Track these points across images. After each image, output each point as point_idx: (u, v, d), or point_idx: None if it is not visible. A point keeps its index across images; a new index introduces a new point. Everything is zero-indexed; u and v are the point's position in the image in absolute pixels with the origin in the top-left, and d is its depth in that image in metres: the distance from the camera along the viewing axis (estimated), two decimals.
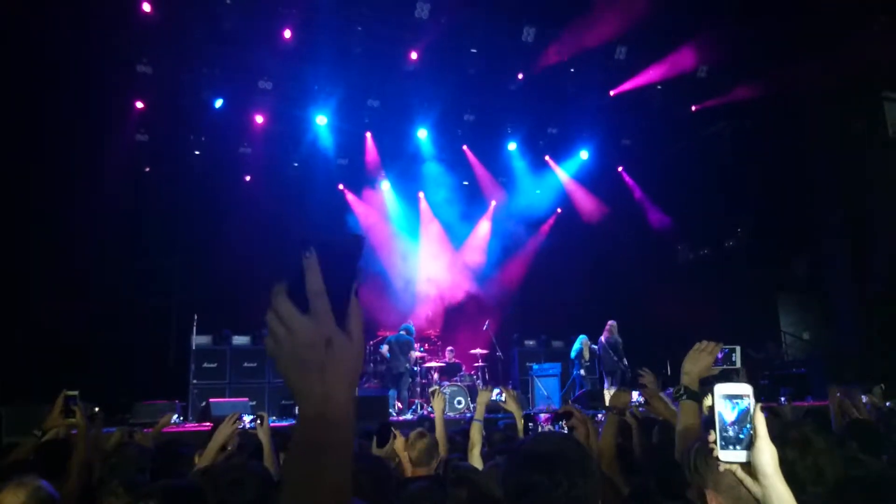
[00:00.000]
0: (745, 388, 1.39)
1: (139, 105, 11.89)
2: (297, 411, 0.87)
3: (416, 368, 12.16)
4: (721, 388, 1.40)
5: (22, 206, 10.94)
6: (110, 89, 11.20)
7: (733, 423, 1.38)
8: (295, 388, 0.85)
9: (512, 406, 3.85)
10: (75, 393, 3.19)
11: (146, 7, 9.92)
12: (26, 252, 11.01)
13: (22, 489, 2.15)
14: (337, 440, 0.84)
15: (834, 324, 12.95)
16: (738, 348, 2.82)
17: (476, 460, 3.37)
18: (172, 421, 6.63)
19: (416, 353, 12.19)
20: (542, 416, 3.49)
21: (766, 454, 1.35)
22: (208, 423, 8.91)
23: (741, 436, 1.37)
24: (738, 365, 2.79)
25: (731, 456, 1.37)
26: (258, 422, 3.56)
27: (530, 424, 3.49)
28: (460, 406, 11.33)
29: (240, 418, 3.40)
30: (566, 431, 2.99)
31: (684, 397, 2.62)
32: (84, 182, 11.37)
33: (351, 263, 0.88)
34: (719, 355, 2.76)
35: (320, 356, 0.84)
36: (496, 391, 4.11)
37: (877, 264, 12.05)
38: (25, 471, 2.39)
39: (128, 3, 9.81)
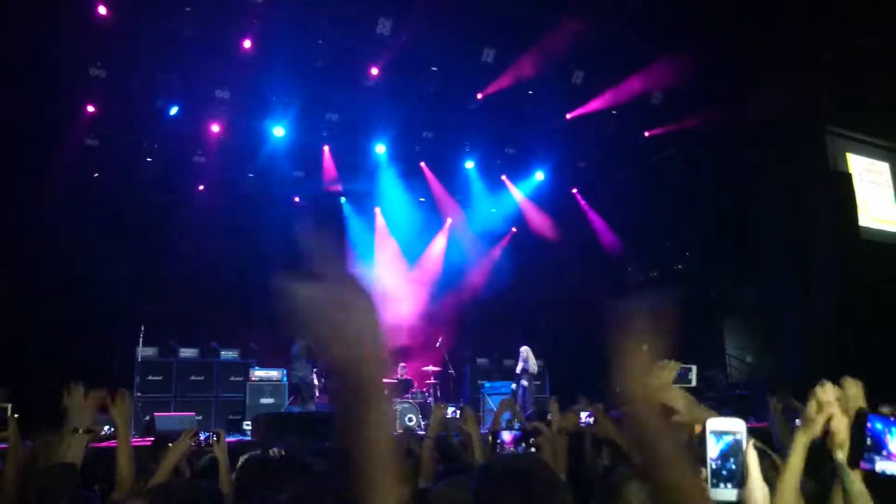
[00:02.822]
0: (738, 425, 1.36)
1: (90, 109, 11.59)
2: (332, 375, 0.87)
3: None
4: (711, 424, 1.38)
5: None
6: (61, 91, 10.90)
7: (717, 459, 1.35)
8: (324, 358, 0.85)
9: (472, 427, 3.77)
10: (7, 405, 3.08)
11: (102, 10, 9.71)
12: None
13: None
14: (375, 396, 0.84)
15: (777, 347, 13.33)
16: (694, 367, 2.86)
17: (428, 480, 3.33)
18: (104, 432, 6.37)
19: None
20: (506, 437, 3.44)
21: (759, 493, 1.33)
22: (151, 438, 8.66)
23: (724, 472, 1.34)
24: (694, 383, 2.83)
25: (721, 494, 1.34)
26: (214, 438, 3.47)
27: (496, 446, 3.43)
28: (411, 423, 11.27)
29: (196, 434, 3.32)
30: (532, 451, 2.99)
31: None
32: (28, 185, 11.03)
33: (339, 224, 0.90)
34: (678, 373, 2.79)
35: (337, 320, 0.84)
36: (451, 409, 4.06)
37: (819, 291, 12.46)
38: None
39: (83, 5, 9.59)
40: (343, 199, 14.67)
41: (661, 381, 2.68)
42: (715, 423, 1.38)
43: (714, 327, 14.59)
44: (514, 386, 12.74)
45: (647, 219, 14.93)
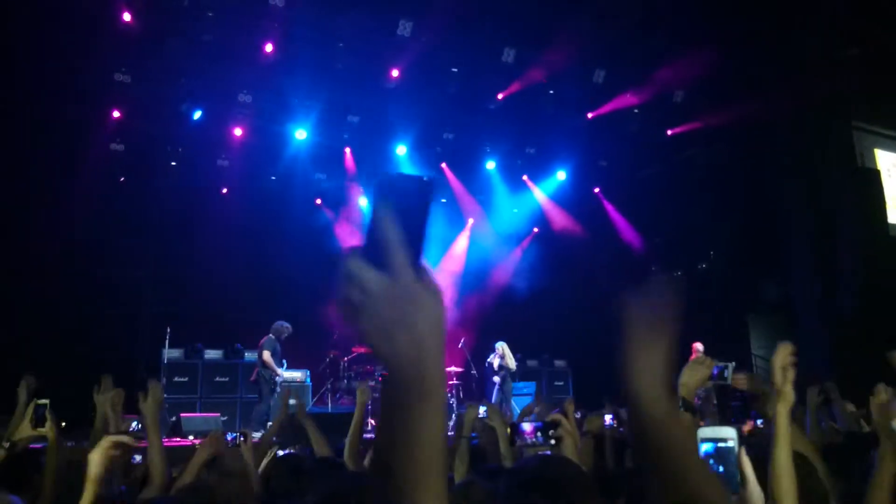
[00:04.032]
0: (729, 432, 1.38)
1: (116, 114, 11.75)
2: (384, 376, 0.83)
3: None
4: (702, 432, 1.40)
5: None
6: (87, 97, 11.07)
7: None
8: (383, 352, 0.80)
9: (497, 422, 3.74)
10: (46, 402, 3.12)
11: (127, 17, 9.85)
12: None
13: None
14: (436, 395, 0.80)
15: (802, 346, 13.14)
16: (730, 365, 2.85)
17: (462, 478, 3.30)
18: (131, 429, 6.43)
19: None
20: (527, 428, 3.38)
21: (756, 497, 1.35)
22: (178, 439, 8.78)
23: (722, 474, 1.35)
24: (730, 381, 2.81)
25: None
26: (241, 439, 3.49)
27: (515, 438, 3.39)
28: None
29: (223, 435, 3.34)
30: (553, 443, 2.96)
31: (682, 409, 2.62)
32: (56, 190, 11.22)
33: (422, 210, 0.82)
34: (714, 370, 2.78)
35: (405, 313, 0.80)
36: (482, 409, 4.03)
37: (846, 288, 12.29)
38: None
39: (108, 12, 9.73)
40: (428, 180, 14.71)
41: (697, 377, 2.66)
42: (706, 432, 1.40)
43: (739, 326, 14.44)
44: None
45: (670, 218, 14.81)
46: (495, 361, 12.24)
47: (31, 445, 3.14)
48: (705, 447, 1.38)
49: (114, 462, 1.88)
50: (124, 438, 1.94)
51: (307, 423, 3.84)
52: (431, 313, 0.81)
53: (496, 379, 12.19)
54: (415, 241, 0.80)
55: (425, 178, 0.83)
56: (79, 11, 9.59)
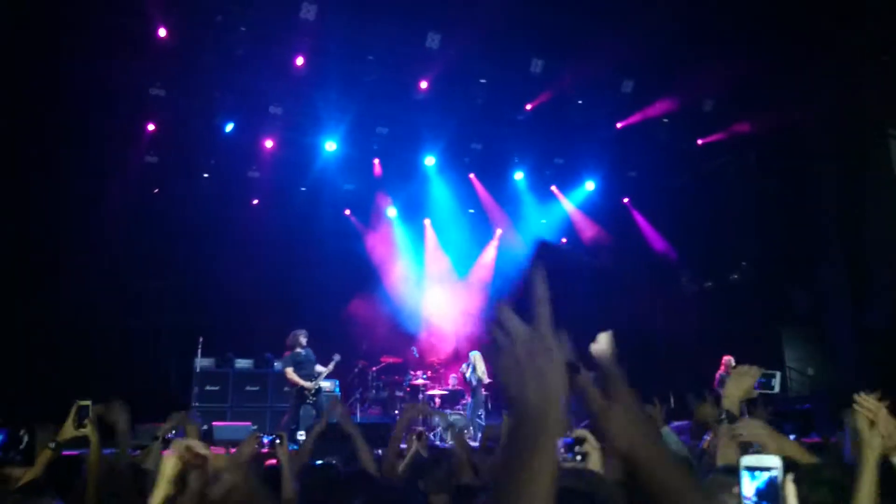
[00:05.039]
0: (773, 461, 1.31)
1: (150, 127, 12.00)
2: (510, 416, 0.93)
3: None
4: (745, 460, 1.33)
5: (28, 223, 10.99)
6: (123, 110, 11.33)
7: (754, 498, 1.29)
8: (513, 393, 0.91)
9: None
10: (88, 402, 3.19)
11: (162, 32, 10.07)
12: (30, 269, 11.03)
13: None
14: (551, 443, 0.91)
15: (834, 358, 12.90)
16: (777, 374, 2.80)
17: None
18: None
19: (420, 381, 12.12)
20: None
21: None
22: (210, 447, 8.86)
23: None
24: (777, 390, 2.76)
25: None
26: (277, 441, 3.53)
27: None
28: (467, 434, 11.23)
29: (259, 438, 3.39)
30: (579, 459, 2.95)
31: (726, 422, 2.59)
32: (92, 201, 11.47)
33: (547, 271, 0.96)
34: (760, 380, 2.74)
35: (539, 363, 0.92)
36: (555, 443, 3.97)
37: (877, 301, 12.04)
38: (41, 490, 2.39)
39: (145, 28, 9.96)
40: (391, 209, 14.87)
41: (742, 388, 2.62)
42: (749, 460, 1.34)
43: (772, 338, 14.20)
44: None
45: (700, 228, 14.64)
46: (467, 372, 12.01)
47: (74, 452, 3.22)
48: (757, 482, 1.31)
49: (188, 466, 1.92)
50: (197, 445, 1.99)
51: (354, 432, 3.88)
52: (559, 367, 0.95)
53: (467, 398, 11.86)
54: (549, 303, 0.96)
55: (547, 243, 0.96)
56: (117, 28, 9.83)
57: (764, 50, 11.02)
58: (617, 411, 1.11)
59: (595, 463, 2.84)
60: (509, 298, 0.94)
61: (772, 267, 13.80)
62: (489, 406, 12.04)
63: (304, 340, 10.47)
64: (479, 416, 11.58)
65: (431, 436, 9.93)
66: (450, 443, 9.58)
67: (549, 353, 0.93)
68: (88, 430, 3.10)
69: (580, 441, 2.93)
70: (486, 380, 11.82)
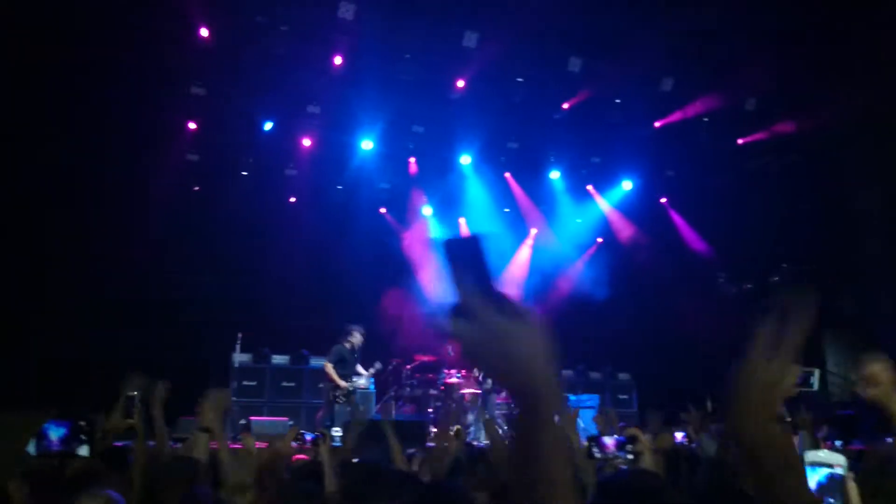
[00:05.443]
0: (838, 459, 1.31)
1: (191, 126, 12.20)
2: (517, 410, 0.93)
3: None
4: (809, 456, 1.33)
5: (69, 220, 11.23)
6: (166, 109, 11.54)
7: (815, 493, 1.28)
8: (506, 386, 0.92)
9: (572, 432, 3.70)
10: (135, 394, 3.26)
11: (204, 32, 10.25)
12: (72, 267, 11.26)
13: (94, 502, 2.20)
14: (550, 413, 0.90)
15: None
16: (816, 371, 2.75)
17: None
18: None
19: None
20: (608, 441, 3.35)
21: None
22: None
23: None
24: (816, 388, 2.72)
25: None
26: (321, 438, 3.56)
27: (594, 449, 3.36)
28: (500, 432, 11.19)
29: (301, 435, 3.43)
30: (631, 457, 2.93)
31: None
32: (135, 199, 11.70)
33: (480, 261, 0.94)
34: (799, 379, 2.69)
35: (504, 350, 0.90)
36: (555, 417, 3.97)
37: None
38: (92, 479, 2.45)
39: (187, 28, 10.14)
40: (426, 208, 14.93)
41: (784, 384, 2.56)
42: (812, 456, 1.32)
43: (813, 342, 13.90)
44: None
45: (740, 229, 14.39)
46: (479, 375, 11.82)
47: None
48: (817, 475, 1.31)
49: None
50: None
51: (387, 429, 3.91)
52: (529, 343, 0.91)
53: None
54: (486, 288, 0.91)
55: (472, 236, 0.94)
56: (161, 29, 10.03)
57: (808, 47, 10.80)
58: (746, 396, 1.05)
59: (648, 462, 2.82)
60: (449, 309, 0.91)
61: (814, 269, 13.51)
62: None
63: (355, 341, 10.49)
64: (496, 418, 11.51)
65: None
66: (484, 441, 9.58)
67: (509, 338, 0.89)
68: (136, 421, 3.17)
69: (632, 440, 2.92)
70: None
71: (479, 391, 12.41)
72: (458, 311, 0.89)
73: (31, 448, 3.02)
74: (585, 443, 3.47)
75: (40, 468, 2.77)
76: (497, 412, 11.76)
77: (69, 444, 2.95)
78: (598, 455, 3.31)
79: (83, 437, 2.95)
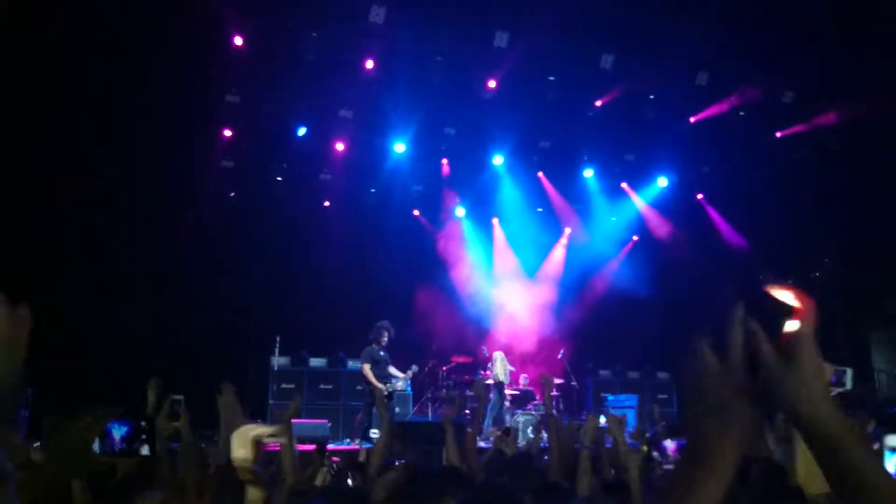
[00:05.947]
0: None
1: (227, 133, 12.37)
2: (690, 450, 0.98)
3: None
4: (889, 440, 1.31)
5: (107, 226, 11.44)
6: (201, 117, 11.73)
7: None
8: (693, 423, 0.98)
9: (615, 431, 3.60)
10: (181, 398, 3.30)
11: (238, 41, 10.38)
12: (111, 272, 11.45)
13: None
14: (725, 474, 0.96)
15: None
16: (849, 370, 2.68)
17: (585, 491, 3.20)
18: None
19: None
20: (669, 445, 3.29)
21: None
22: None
23: None
24: (849, 387, 2.65)
25: None
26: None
27: (655, 454, 3.29)
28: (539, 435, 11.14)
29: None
30: None
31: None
32: (172, 206, 11.91)
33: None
34: (832, 378, 2.63)
35: (723, 400, 0.96)
36: (602, 419, 3.94)
37: None
38: (137, 485, 2.47)
39: (222, 38, 10.29)
40: (459, 209, 14.94)
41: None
42: (894, 440, 1.28)
43: (859, 340, 13.56)
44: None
45: (779, 225, 14.09)
46: (490, 372, 11.87)
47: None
48: (888, 458, 1.29)
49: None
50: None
51: (448, 429, 3.90)
52: (744, 409, 0.97)
53: (491, 395, 11.56)
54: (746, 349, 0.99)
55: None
56: (196, 39, 10.20)
57: (847, 38, 10.54)
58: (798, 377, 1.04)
59: None
60: (711, 337, 0.99)
61: (857, 265, 13.17)
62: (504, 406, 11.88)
63: (385, 339, 10.52)
64: (499, 416, 11.46)
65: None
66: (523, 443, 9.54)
67: (735, 394, 0.96)
68: (181, 424, 3.21)
69: None
70: (506, 380, 11.86)
71: (517, 392, 12.39)
72: (714, 345, 0.98)
73: (96, 446, 3.06)
74: (644, 448, 3.34)
75: (98, 468, 2.82)
76: (504, 411, 11.71)
77: (131, 444, 3.01)
78: (658, 460, 3.23)
79: (144, 436, 3.00)
